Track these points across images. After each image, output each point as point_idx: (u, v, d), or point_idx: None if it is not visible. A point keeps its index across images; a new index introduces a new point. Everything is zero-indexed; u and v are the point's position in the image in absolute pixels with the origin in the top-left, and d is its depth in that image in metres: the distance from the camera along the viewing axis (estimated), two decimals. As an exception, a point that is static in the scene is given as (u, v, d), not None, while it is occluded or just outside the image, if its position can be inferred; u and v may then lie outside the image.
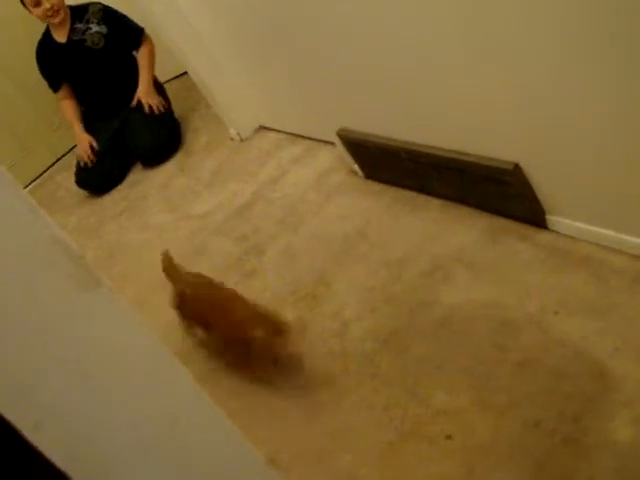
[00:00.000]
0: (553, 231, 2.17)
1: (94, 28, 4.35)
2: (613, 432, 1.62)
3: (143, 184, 4.29)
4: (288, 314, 2.48)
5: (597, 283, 1.95)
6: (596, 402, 1.69)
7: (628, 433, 1.59)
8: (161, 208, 3.85)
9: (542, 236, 2.19)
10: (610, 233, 1.97)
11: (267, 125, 3.87)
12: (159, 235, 3.58)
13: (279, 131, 3.76)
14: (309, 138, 3.46)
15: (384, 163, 2.74)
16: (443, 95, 2.14)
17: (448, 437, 1.83)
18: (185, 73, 4.39)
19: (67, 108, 4.60)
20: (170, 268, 2.56)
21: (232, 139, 4.01)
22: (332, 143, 3.07)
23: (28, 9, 4.23)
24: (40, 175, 5.37)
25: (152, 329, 0.97)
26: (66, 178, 4.92)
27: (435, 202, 2.59)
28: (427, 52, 2.05)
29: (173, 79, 5.32)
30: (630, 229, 1.91)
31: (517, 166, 2.07)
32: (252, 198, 3.36)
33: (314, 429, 2.06)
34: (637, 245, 1.91)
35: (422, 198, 2.65)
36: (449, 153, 2.31)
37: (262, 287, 2.72)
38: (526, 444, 1.71)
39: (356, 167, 2.97)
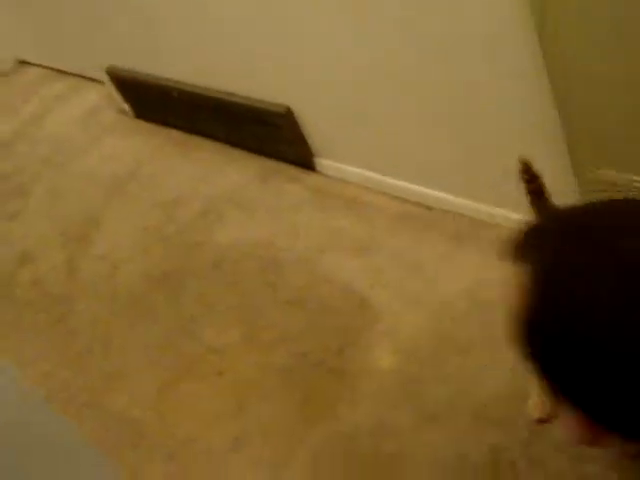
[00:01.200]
0: (322, 173, 2.26)
1: None
2: (375, 360, 1.74)
3: None
4: (57, 256, 2.40)
5: (361, 223, 2.06)
6: (359, 334, 1.81)
7: (387, 360, 1.72)
8: None
9: (311, 178, 2.27)
10: (375, 175, 2.08)
11: (28, 60, 3.63)
12: None
13: (42, 66, 3.55)
14: (76, 75, 3.30)
15: (155, 103, 2.69)
16: (215, 35, 2.12)
17: (219, 374, 1.87)
18: None
19: None
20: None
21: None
22: (101, 81, 2.96)
23: None
24: None
25: None
26: None
27: (208, 144, 2.58)
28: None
29: None
30: (392, 172, 2.03)
31: (288, 109, 2.12)
32: (13, 136, 3.17)
33: (87, 372, 2.03)
34: (398, 187, 2.04)
35: (195, 139, 2.63)
36: (221, 94, 2.31)
37: (27, 229, 2.59)
38: (293, 376, 1.79)
39: (126, 106, 2.89)
